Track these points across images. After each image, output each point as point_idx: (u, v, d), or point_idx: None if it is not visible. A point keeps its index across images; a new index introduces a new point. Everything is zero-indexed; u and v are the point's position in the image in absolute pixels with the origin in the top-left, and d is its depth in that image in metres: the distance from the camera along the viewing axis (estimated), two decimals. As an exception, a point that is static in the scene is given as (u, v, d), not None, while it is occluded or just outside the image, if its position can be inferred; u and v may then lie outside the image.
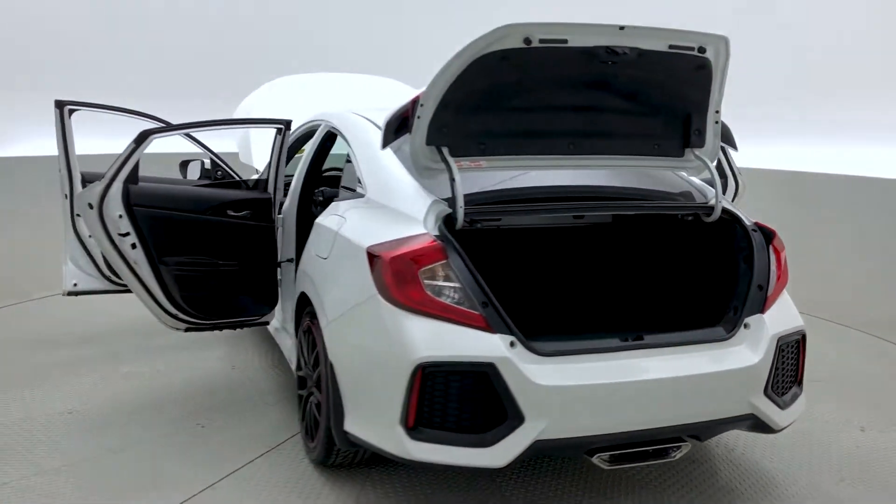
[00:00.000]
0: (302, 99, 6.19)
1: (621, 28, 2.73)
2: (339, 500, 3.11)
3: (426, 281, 2.67)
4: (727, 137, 3.43)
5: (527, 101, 2.96)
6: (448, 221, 2.81)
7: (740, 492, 3.24)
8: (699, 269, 3.38)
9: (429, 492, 3.17)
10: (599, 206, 3.30)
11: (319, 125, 4.28)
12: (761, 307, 2.96)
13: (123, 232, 3.71)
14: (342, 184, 3.73)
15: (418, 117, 2.83)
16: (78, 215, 4.71)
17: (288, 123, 4.18)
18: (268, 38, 9.60)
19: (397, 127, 2.94)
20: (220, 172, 5.19)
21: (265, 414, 3.98)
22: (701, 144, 3.21)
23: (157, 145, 3.85)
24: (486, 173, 3.14)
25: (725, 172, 4.14)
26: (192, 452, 3.53)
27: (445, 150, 2.86)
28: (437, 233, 2.77)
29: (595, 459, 2.73)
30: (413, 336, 2.63)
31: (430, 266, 2.68)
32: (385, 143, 2.98)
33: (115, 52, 9.19)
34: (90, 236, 4.76)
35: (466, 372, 2.58)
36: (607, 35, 2.74)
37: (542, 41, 2.68)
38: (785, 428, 2.99)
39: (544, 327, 2.84)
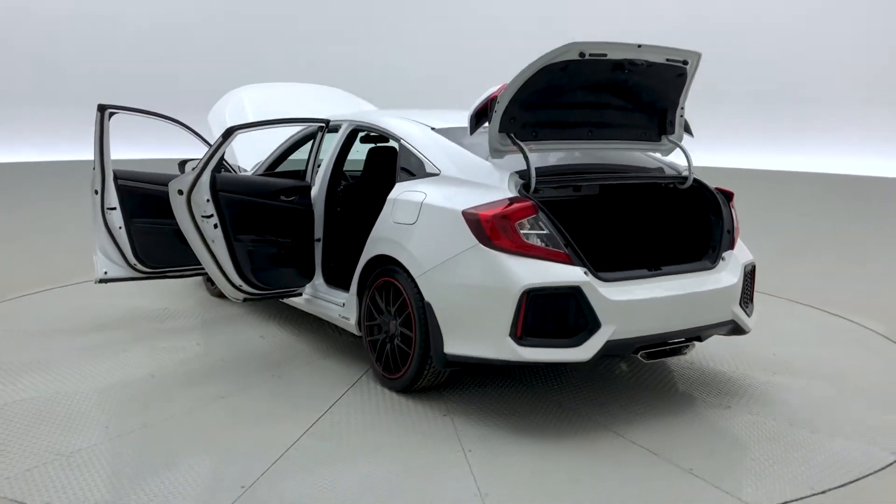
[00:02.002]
0: (264, 105, 6.89)
1: (639, 46, 3.82)
2: (431, 410, 3.98)
3: (521, 231, 3.62)
4: (687, 127, 4.62)
5: (566, 99, 3.99)
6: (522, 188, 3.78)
7: (704, 379, 4.46)
8: (681, 222, 4.51)
9: (492, 397, 4.10)
10: (622, 178, 4.31)
11: (341, 125, 5.07)
12: (731, 245, 4.17)
13: (208, 214, 4.32)
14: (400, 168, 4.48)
15: (495, 111, 3.77)
16: (112, 208, 5.19)
17: (327, 122, 4.94)
18: (237, 50, 10.30)
19: (477, 119, 3.87)
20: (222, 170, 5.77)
21: (323, 365, 4.69)
22: (673, 132, 4.38)
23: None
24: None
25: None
26: (289, 393, 4.23)
27: (513, 136, 3.83)
28: (519, 195, 3.73)
29: (639, 356, 3.80)
30: (517, 270, 3.57)
31: (525, 219, 3.63)
32: (472, 131, 3.91)
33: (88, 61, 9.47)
34: (120, 228, 5.26)
35: (560, 294, 3.57)
36: (630, 51, 3.82)
37: (591, 55, 3.72)
38: (751, 330, 4.19)
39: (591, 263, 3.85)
